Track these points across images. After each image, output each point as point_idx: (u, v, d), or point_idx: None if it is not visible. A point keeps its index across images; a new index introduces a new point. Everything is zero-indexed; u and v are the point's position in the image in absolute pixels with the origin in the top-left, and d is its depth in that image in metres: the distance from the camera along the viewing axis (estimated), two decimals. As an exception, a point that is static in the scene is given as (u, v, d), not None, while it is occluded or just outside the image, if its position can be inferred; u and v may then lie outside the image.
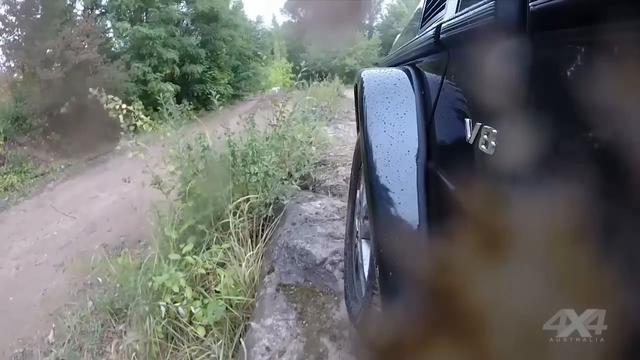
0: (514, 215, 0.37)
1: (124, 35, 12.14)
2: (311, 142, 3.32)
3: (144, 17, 12.80)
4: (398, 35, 2.26)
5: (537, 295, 0.29)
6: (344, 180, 2.53)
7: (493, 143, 0.47)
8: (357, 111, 1.30)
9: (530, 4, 0.38)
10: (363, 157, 0.84)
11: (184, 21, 14.48)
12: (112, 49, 11.87)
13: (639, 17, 0.26)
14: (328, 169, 2.86)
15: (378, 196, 0.77)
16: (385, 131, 0.81)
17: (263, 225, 2.01)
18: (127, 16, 12.61)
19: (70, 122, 8.18)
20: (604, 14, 0.29)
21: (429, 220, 0.73)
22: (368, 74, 0.95)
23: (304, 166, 2.55)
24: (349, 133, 4.68)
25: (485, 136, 0.49)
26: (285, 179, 2.26)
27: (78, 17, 10.08)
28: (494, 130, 0.47)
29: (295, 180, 2.33)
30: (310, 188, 2.55)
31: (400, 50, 1.39)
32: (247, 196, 1.96)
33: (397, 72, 0.94)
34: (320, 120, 5.11)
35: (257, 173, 1.99)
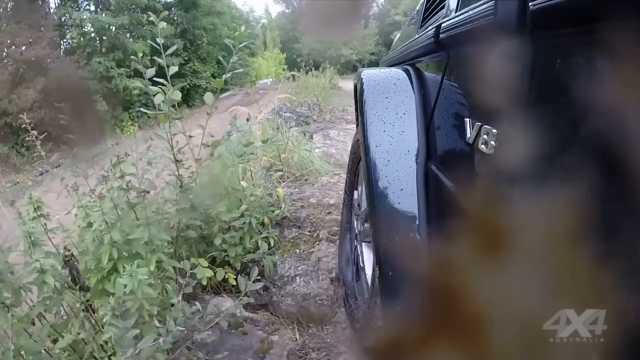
0: (514, 215, 0.37)
1: (85, 25, 10.65)
2: (280, 178, 2.05)
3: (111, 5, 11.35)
4: (396, 38, 2.26)
5: (537, 295, 0.29)
6: (330, 280, 1.33)
7: (493, 143, 0.47)
8: (357, 111, 1.30)
9: (530, 4, 0.38)
10: (363, 157, 0.84)
11: (158, 8, 13.58)
12: (73, 42, 10.35)
13: (639, 17, 0.26)
14: (303, 239, 1.54)
15: (378, 196, 0.77)
16: (385, 131, 0.81)
17: None
18: (90, 4, 11.16)
19: (18, 130, 7.39)
20: (604, 13, 0.29)
21: (429, 220, 0.73)
22: (368, 74, 0.95)
23: (259, 243, 1.37)
24: (346, 145, 3.00)
25: (485, 136, 0.49)
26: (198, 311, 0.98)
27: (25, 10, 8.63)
28: (494, 130, 0.47)
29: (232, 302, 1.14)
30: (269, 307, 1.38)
31: (400, 50, 1.39)
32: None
33: (397, 72, 0.94)
34: (303, 125, 3.87)
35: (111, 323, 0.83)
